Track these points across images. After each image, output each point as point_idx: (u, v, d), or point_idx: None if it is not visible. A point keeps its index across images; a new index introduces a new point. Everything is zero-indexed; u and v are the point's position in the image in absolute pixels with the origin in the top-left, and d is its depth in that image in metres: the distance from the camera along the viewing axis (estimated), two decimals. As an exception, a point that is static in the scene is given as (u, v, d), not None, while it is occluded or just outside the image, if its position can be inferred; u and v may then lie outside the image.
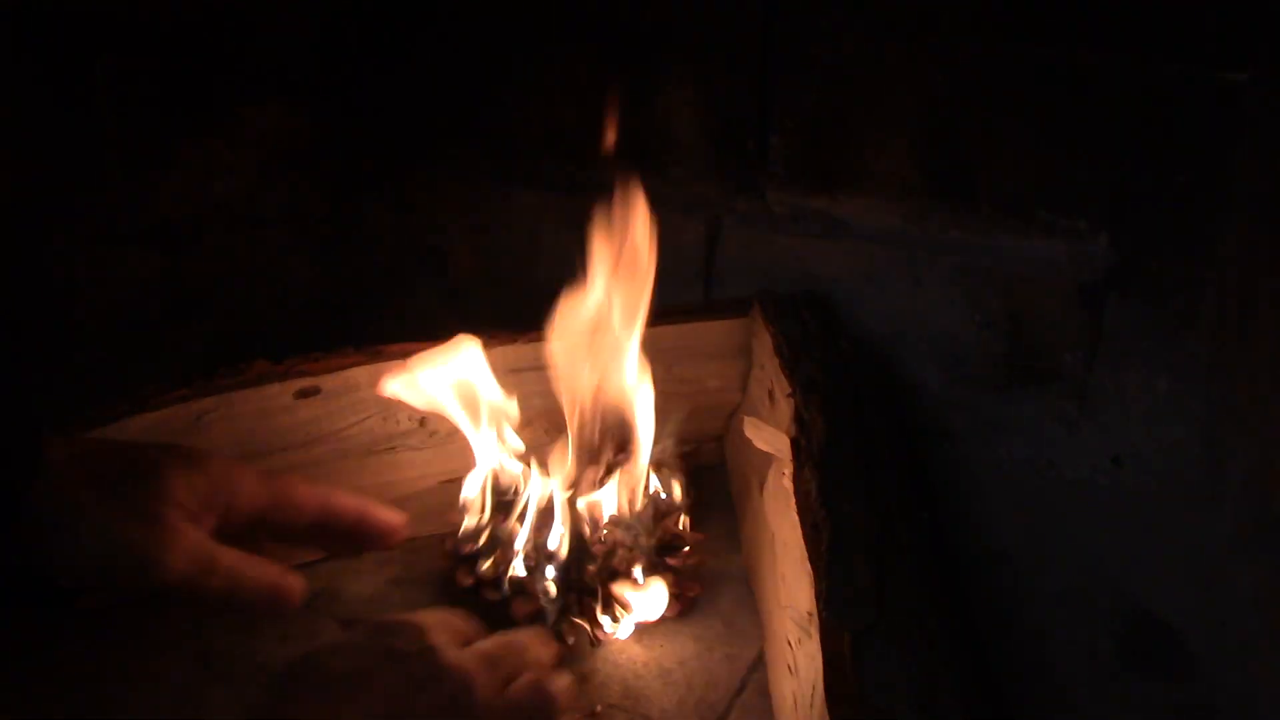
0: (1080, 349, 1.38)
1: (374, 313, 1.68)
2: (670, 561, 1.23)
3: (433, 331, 1.28)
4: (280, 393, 1.21)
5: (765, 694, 1.13)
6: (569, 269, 1.26)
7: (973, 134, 1.40)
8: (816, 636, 0.94)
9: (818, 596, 0.97)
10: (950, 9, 1.35)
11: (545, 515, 1.20)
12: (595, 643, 1.17)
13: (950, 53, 1.37)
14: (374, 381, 1.22)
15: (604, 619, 1.18)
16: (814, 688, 0.91)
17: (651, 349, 1.27)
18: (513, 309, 1.32)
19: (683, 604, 1.22)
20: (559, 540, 1.18)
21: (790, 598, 1.05)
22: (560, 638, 1.15)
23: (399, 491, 1.26)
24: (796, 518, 1.05)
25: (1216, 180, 1.29)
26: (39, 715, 1.08)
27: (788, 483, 1.10)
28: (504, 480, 1.23)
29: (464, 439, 1.23)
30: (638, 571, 1.19)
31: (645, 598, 1.19)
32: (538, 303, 1.26)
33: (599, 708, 1.11)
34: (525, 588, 1.18)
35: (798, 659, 1.01)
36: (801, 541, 1.03)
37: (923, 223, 1.44)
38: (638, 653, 1.19)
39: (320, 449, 1.23)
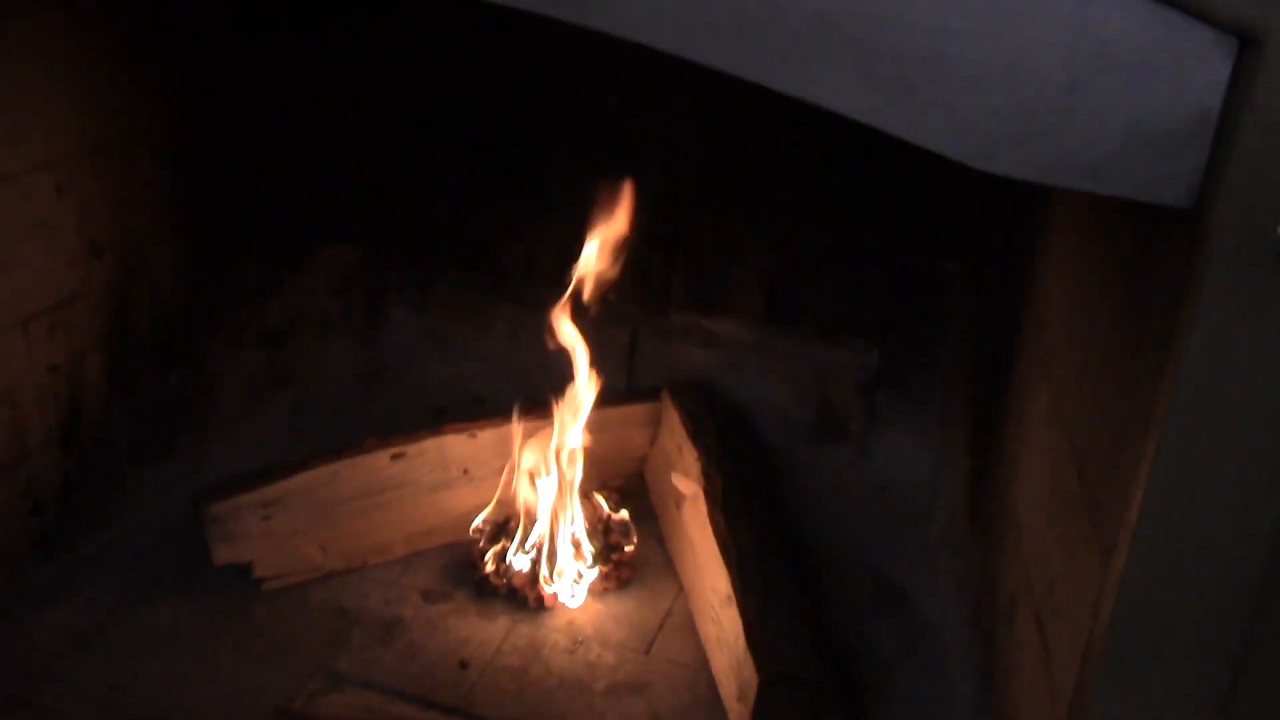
0: (861, 420, 2.22)
1: (396, 387, 2.42)
2: (614, 556, 2.03)
3: (467, 409, 2.07)
4: (382, 457, 1.95)
5: (679, 629, 1.89)
6: (536, 359, 2.04)
7: (798, 283, 2.22)
8: (735, 609, 1.65)
9: (734, 589, 1.68)
10: (783, 201, 2.16)
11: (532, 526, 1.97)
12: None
13: (783, 231, 2.19)
14: (440, 447, 1.98)
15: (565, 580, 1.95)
16: (737, 638, 1.63)
17: (598, 423, 2.06)
18: (500, 386, 2.13)
19: (621, 579, 2.01)
20: (537, 539, 1.96)
21: (711, 581, 1.79)
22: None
23: (449, 515, 2.01)
24: (713, 538, 1.79)
25: (941, 323, 2.13)
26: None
27: (702, 515, 1.85)
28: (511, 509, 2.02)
29: (492, 483, 2.00)
30: (587, 559, 1.97)
31: (587, 571, 1.97)
32: (517, 384, 2.07)
33: (580, 639, 1.90)
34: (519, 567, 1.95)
35: (720, 617, 1.73)
36: (718, 553, 1.76)
37: (766, 338, 2.25)
38: (598, 609, 1.95)
39: (401, 491, 1.96)
